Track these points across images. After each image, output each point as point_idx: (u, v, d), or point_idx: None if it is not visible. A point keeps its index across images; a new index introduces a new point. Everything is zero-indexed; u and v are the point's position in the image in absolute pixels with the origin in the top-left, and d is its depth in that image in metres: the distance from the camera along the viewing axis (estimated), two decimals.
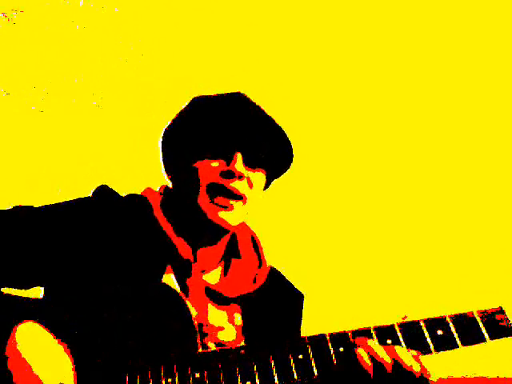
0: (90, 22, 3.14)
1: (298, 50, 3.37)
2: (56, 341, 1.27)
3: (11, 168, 2.89)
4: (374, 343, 1.24)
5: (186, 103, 1.59)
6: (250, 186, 1.53)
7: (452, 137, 3.29)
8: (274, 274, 1.71)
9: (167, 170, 1.67)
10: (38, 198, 1.61)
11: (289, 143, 1.61)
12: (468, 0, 3.37)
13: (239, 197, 1.50)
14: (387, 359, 1.22)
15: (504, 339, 1.28)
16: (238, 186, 1.49)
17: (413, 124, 3.33)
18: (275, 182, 1.74)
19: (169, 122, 1.63)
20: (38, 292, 1.50)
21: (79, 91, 3.10)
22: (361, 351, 1.22)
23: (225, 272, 1.63)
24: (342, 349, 1.25)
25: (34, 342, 1.24)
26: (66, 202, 1.57)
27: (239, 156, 1.50)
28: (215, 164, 1.50)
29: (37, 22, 3.06)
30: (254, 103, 1.54)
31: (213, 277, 1.59)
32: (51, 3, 3.09)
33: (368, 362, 1.22)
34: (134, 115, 3.08)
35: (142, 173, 2.81)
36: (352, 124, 3.31)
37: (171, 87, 3.02)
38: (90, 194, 1.61)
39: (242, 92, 1.54)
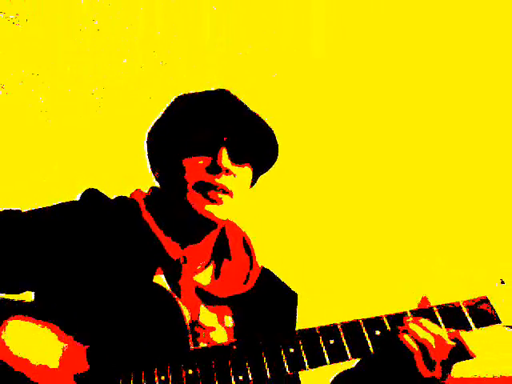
0: (91, 21, 3.13)
1: (285, 46, 3.38)
2: (40, 324, 1.30)
3: (8, 167, 2.88)
4: (416, 326, 1.29)
5: (171, 101, 1.60)
6: (237, 181, 1.53)
7: (443, 137, 3.31)
8: (266, 275, 1.71)
9: (154, 170, 1.67)
10: (34, 198, 1.61)
11: (273, 136, 1.61)
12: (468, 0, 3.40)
13: (225, 192, 1.50)
14: (431, 339, 1.27)
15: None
16: (225, 181, 1.49)
17: (399, 119, 3.35)
18: (264, 180, 1.73)
19: (153, 122, 1.64)
20: (28, 297, 1.50)
21: (79, 90, 3.09)
22: (406, 337, 1.28)
23: (216, 273, 1.63)
24: (332, 341, 1.27)
25: (20, 332, 1.27)
26: (53, 205, 1.56)
27: (224, 151, 1.50)
28: (201, 161, 1.50)
29: (37, 21, 3.04)
30: (237, 99, 1.56)
31: (204, 278, 1.59)
32: (52, 3, 3.08)
33: (414, 345, 1.27)
34: (133, 116, 3.08)
35: (132, 175, 2.81)
36: (340, 119, 3.32)
37: (172, 88, 3.03)
38: (78, 198, 1.61)
39: (225, 89, 1.56)
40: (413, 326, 1.29)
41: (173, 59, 3.20)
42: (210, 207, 1.49)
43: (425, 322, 1.30)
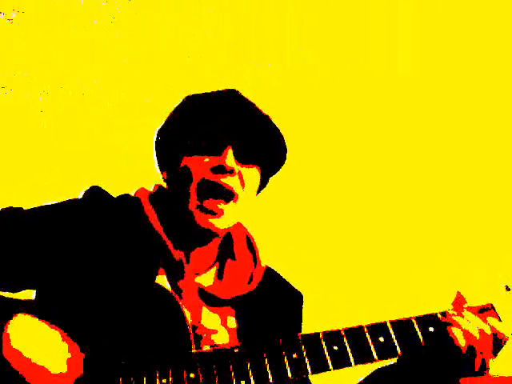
0: (91, 21, 3.13)
1: (293, 47, 3.37)
2: (49, 327, 1.27)
3: (8, 167, 2.88)
4: (460, 319, 1.30)
5: (180, 101, 1.59)
6: (242, 183, 1.50)
7: (447, 138, 3.31)
8: (271, 274, 1.69)
9: (161, 170, 1.65)
10: (34, 198, 1.60)
11: (281, 137, 1.59)
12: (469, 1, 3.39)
13: (231, 195, 1.48)
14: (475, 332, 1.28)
15: None
16: (230, 181, 1.47)
17: (404, 122, 3.35)
18: (271, 180, 1.72)
19: (163, 121, 1.63)
20: (29, 295, 1.49)
21: (79, 90, 3.09)
22: (455, 330, 1.28)
23: (219, 273, 1.61)
24: (336, 347, 1.26)
25: (28, 334, 1.23)
26: (56, 203, 1.55)
27: (230, 151, 1.48)
28: (206, 160, 1.49)
29: (37, 21, 3.03)
30: (246, 99, 1.54)
31: (206, 279, 1.58)
32: (52, 3, 3.07)
33: (462, 338, 1.27)
34: (133, 116, 3.07)
35: (137, 173, 2.80)
36: (346, 120, 3.32)
37: (171, 88, 3.02)
38: (81, 196, 1.59)
39: (234, 89, 1.55)
40: (457, 319, 1.30)
41: (172, 59, 3.19)
42: (211, 220, 1.47)
43: (468, 315, 1.31)
